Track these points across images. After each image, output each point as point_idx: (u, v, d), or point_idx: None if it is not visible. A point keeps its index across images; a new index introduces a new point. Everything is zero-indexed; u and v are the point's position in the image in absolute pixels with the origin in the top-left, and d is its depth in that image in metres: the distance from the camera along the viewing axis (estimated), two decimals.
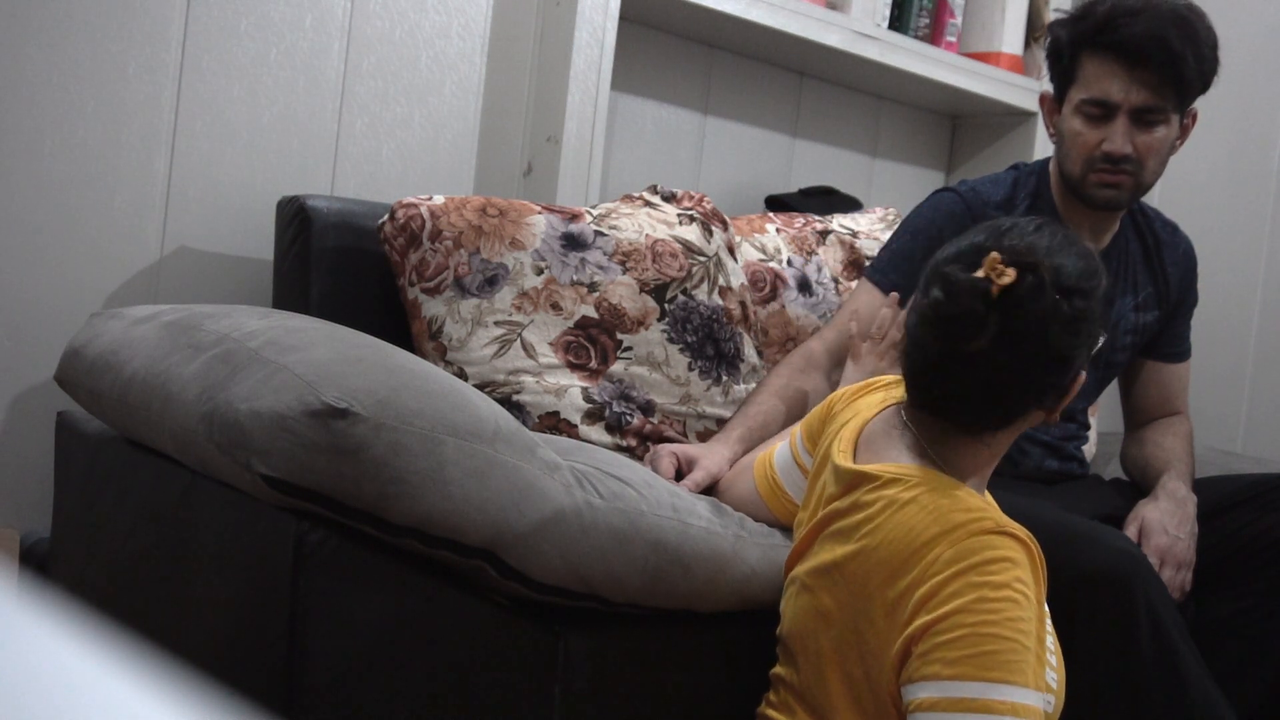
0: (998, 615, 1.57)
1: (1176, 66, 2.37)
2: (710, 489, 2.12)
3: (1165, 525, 2.31)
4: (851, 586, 1.71)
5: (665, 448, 2.17)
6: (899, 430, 1.80)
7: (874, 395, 1.94)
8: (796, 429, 2.05)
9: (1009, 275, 1.63)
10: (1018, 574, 1.60)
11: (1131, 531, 2.29)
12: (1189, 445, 2.65)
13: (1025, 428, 1.81)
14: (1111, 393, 2.85)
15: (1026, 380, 1.70)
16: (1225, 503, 2.45)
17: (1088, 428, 2.80)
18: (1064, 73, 2.49)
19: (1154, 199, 3.70)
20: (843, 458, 1.81)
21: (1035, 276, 1.64)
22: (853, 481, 1.76)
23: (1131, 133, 2.40)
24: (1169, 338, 2.73)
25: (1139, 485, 2.60)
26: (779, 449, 2.07)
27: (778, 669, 1.86)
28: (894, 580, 1.65)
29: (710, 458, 2.14)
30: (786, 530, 2.00)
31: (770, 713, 1.84)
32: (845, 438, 1.85)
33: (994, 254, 1.65)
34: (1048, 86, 2.58)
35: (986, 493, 1.86)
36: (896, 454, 1.78)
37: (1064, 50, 2.48)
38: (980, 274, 1.65)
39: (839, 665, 1.73)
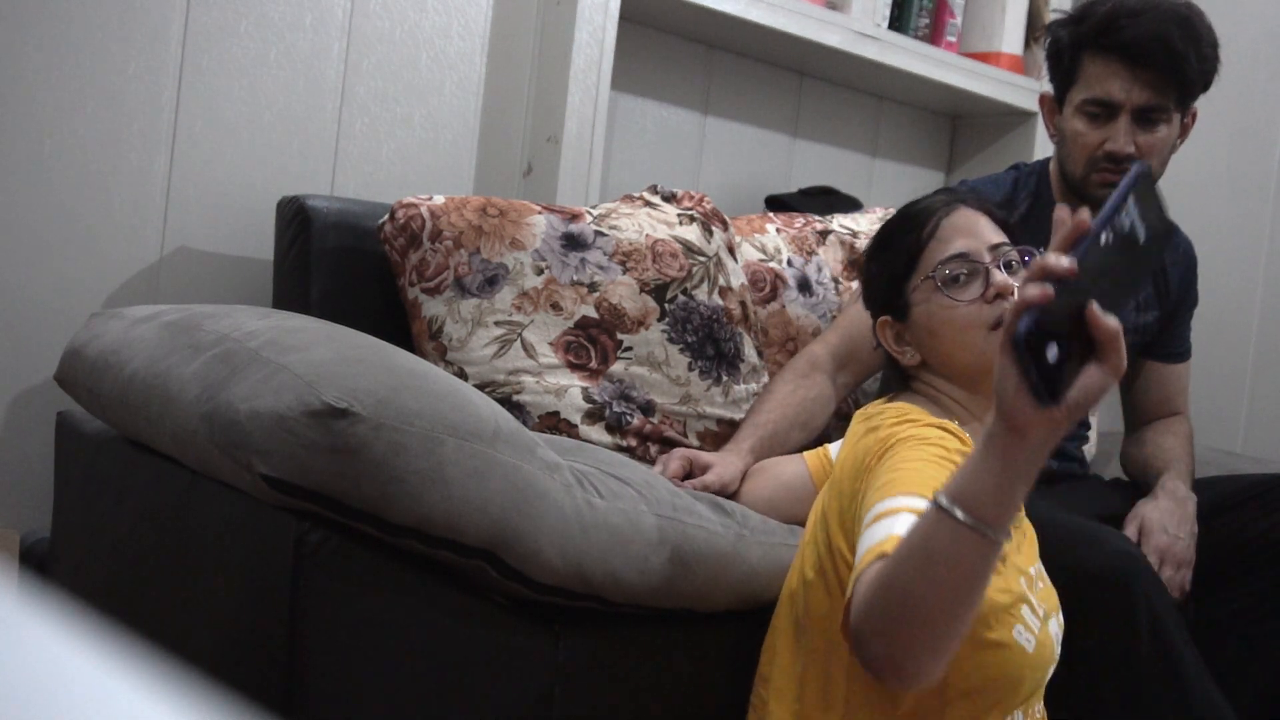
0: (910, 452, 1.63)
1: (1179, 66, 2.38)
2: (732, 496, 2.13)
3: (1165, 525, 2.32)
4: (822, 501, 1.81)
5: (679, 450, 2.17)
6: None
7: None
8: None
9: None
10: (915, 422, 1.71)
11: (1131, 530, 2.29)
12: (1189, 445, 2.65)
13: (906, 350, 1.92)
14: (1111, 393, 2.85)
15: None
16: (1225, 503, 2.45)
17: (1088, 428, 2.80)
18: (1065, 73, 2.50)
19: None
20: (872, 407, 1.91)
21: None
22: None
23: (1134, 132, 2.41)
24: (1169, 338, 2.74)
25: (1139, 485, 2.60)
26: (836, 444, 2.11)
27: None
28: (851, 476, 1.72)
29: (724, 466, 2.15)
30: (787, 528, 2.00)
31: (754, 699, 1.87)
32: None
33: None
34: (1048, 87, 2.59)
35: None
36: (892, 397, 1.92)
37: (1064, 51, 2.49)
38: None
39: (790, 609, 1.80)
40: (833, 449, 2.11)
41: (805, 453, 2.15)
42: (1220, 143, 3.71)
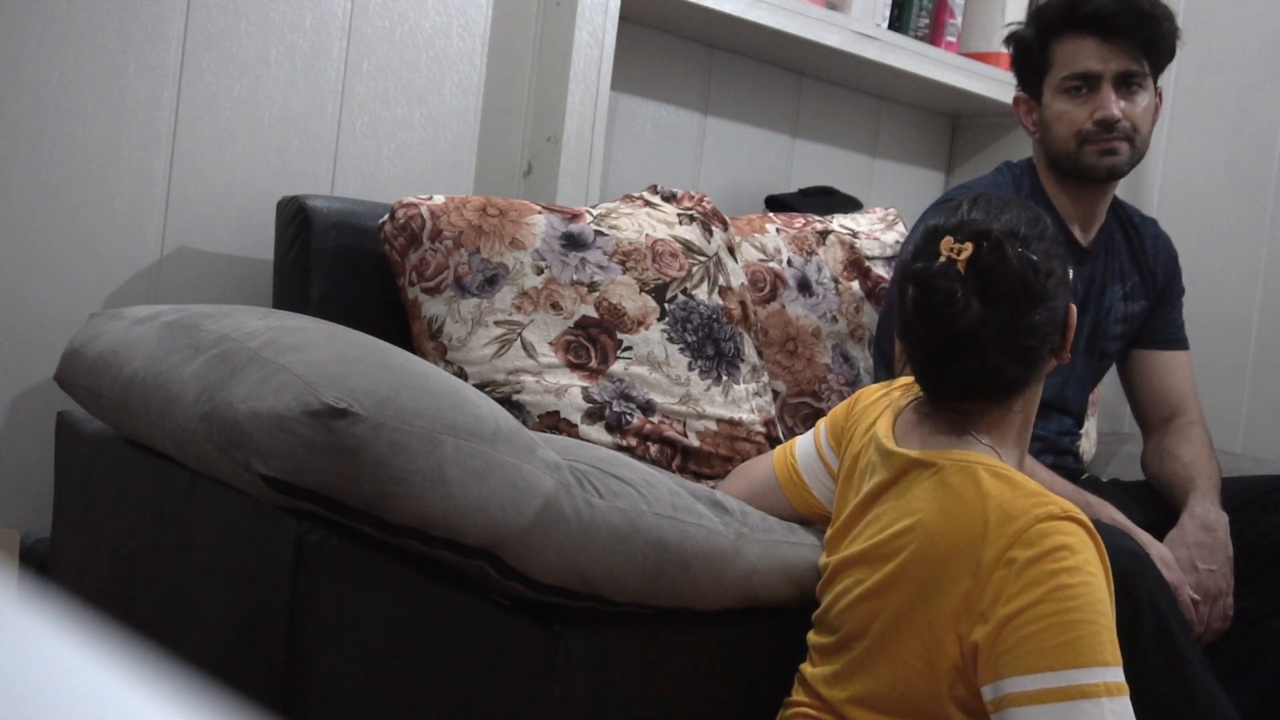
0: (1078, 600, 1.60)
1: (1149, 28, 2.48)
2: (711, 480, 2.13)
3: (1195, 561, 2.31)
4: (909, 567, 1.74)
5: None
6: (933, 416, 1.85)
7: (896, 392, 1.98)
8: (821, 424, 2.08)
9: (967, 248, 1.71)
10: (1087, 556, 1.64)
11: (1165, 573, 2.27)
12: (1209, 453, 2.62)
13: (1044, 379, 1.87)
14: (1112, 396, 2.85)
15: (1026, 332, 1.76)
16: (1227, 505, 2.45)
17: (1082, 424, 2.79)
18: (1037, 66, 2.57)
19: (1154, 199, 3.70)
20: (890, 442, 1.85)
21: (990, 240, 1.72)
22: (904, 467, 1.80)
23: (1117, 101, 2.46)
24: (1159, 324, 2.74)
25: (1167, 503, 2.57)
26: (801, 441, 2.10)
27: (818, 639, 1.88)
28: (957, 565, 1.68)
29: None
30: (786, 525, 2.00)
31: (799, 696, 1.86)
32: (884, 424, 1.89)
33: (947, 236, 1.74)
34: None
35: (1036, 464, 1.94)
36: (936, 440, 1.82)
37: (1032, 46, 2.58)
38: (943, 259, 1.73)
39: (893, 641, 1.75)
40: (798, 446, 2.11)
41: (775, 450, 2.15)
42: (1220, 143, 3.70)
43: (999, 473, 1.72)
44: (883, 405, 1.96)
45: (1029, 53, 2.57)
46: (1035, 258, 1.74)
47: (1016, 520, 1.65)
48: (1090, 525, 1.68)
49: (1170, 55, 2.55)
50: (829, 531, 1.93)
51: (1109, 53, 2.47)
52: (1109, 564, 1.68)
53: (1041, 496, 1.69)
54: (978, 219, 1.75)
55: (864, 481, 1.87)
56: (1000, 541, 1.64)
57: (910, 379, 2.01)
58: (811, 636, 1.90)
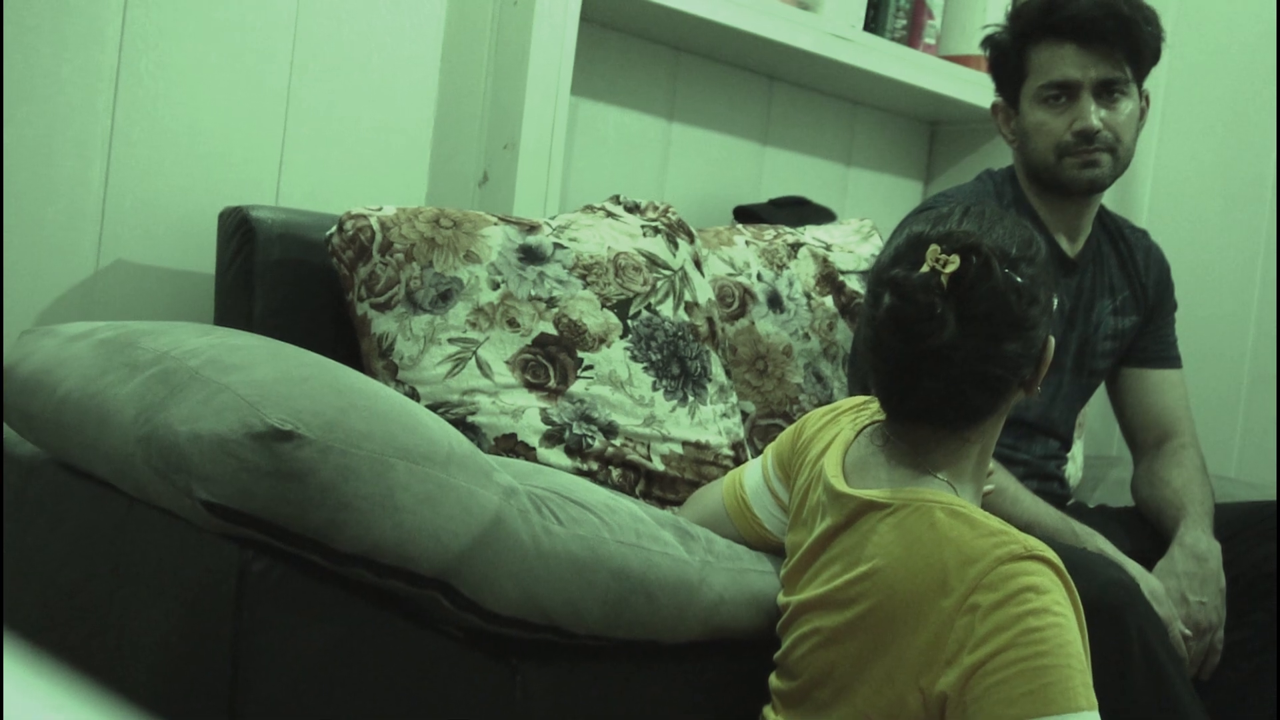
0: (1046, 644, 1.59)
1: (1130, 33, 2.47)
2: (672, 504, 2.14)
3: (1185, 593, 2.32)
4: (867, 616, 1.74)
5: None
6: (885, 448, 1.84)
7: (844, 418, 1.96)
8: (768, 453, 2.08)
9: (953, 262, 1.69)
10: (1055, 596, 1.63)
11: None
12: (1202, 478, 2.61)
13: (1007, 412, 1.85)
14: (1099, 417, 2.86)
15: (999, 360, 1.74)
16: (1220, 532, 2.45)
17: (1070, 446, 2.80)
18: (1014, 72, 2.56)
19: (1144, 209, 3.72)
20: (839, 483, 1.83)
21: (979, 256, 1.70)
22: (857, 509, 1.79)
23: (1097, 111, 2.46)
24: (1151, 341, 2.74)
25: (1156, 530, 2.58)
26: (749, 471, 2.10)
27: (780, 684, 1.88)
28: (918, 614, 1.67)
29: None
30: (754, 554, 2.01)
31: None
32: (832, 461, 1.88)
33: (933, 246, 1.71)
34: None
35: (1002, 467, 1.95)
36: (890, 475, 1.81)
37: (1009, 51, 2.57)
38: (925, 269, 1.70)
39: (854, 690, 1.75)
40: (746, 477, 2.11)
41: (724, 479, 2.15)
42: (1213, 150, 3.72)
43: (956, 511, 1.71)
44: (830, 434, 1.95)
45: (1006, 58, 2.57)
46: (1021, 281, 1.73)
47: (977, 563, 1.64)
48: (1057, 561, 1.67)
49: (1155, 59, 2.55)
50: (784, 568, 1.93)
51: (1088, 60, 2.47)
52: (1079, 600, 1.68)
53: (1003, 535, 1.67)
54: (968, 232, 1.74)
55: (815, 520, 1.87)
56: (962, 587, 1.64)
57: (858, 400, 2.01)
58: (774, 680, 1.90)
